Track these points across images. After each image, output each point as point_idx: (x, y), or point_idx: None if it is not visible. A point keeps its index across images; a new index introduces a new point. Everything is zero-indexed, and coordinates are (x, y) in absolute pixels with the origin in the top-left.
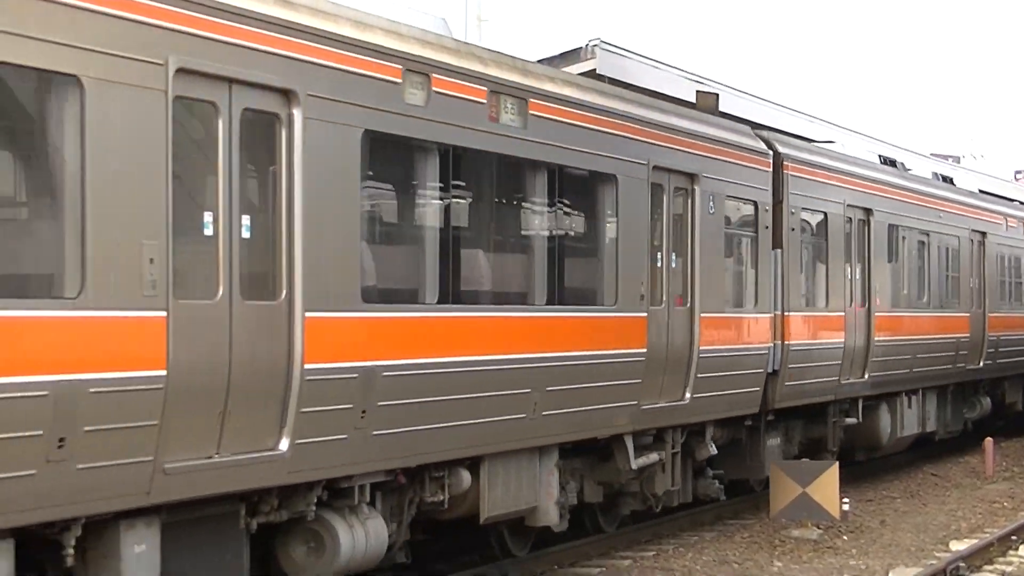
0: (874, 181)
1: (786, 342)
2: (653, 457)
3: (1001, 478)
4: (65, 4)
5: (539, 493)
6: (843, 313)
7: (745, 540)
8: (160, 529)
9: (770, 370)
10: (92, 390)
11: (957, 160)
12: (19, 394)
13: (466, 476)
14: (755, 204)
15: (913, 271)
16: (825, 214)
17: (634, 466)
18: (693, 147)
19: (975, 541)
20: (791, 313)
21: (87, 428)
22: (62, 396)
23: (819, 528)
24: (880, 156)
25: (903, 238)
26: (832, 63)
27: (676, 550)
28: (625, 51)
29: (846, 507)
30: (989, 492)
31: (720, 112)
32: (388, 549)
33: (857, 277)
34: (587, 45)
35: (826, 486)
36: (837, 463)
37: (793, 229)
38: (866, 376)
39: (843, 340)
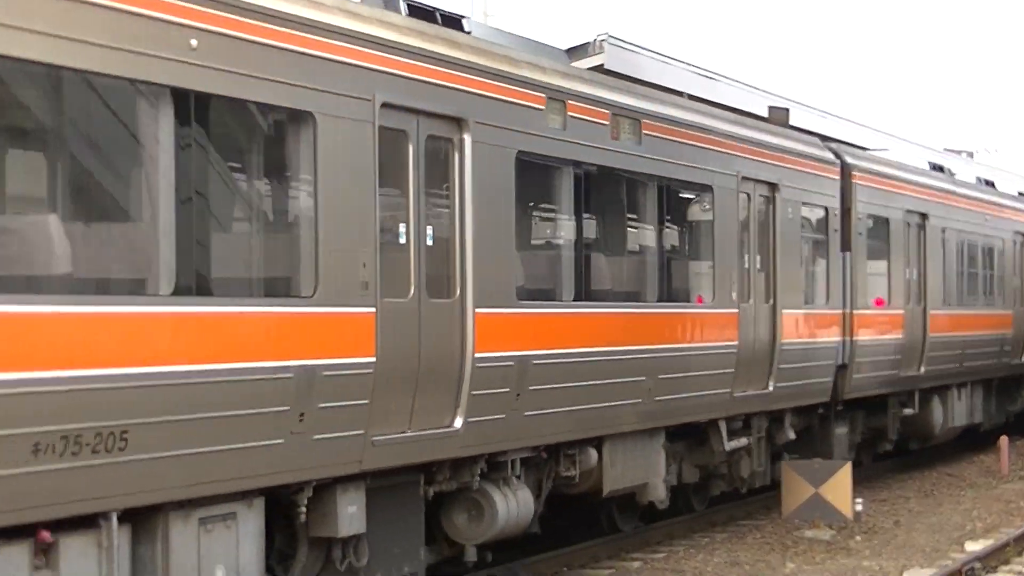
0: (928, 187)
1: (854, 337)
2: (743, 441)
3: (1017, 477)
4: (303, 54)
5: (649, 471)
6: (903, 311)
7: (757, 541)
8: (365, 493)
9: (839, 363)
10: (324, 373)
11: (971, 155)
12: (274, 376)
13: (593, 454)
14: (826, 210)
15: (963, 271)
16: (887, 219)
17: (727, 448)
18: (774, 159)
19: (991, 541)
20: (858, 311)
21: (320, 405)
22: (303, 378)
23: (832, 529)
24: (929, 163)
25: (954, 240)
26: (839, 58)
27: (687, 551)
28: (634, 46)
29: (859, 507)
30: (1005, 491)
31: (790, 125)
32: None
33: (914, 277)
34: (595, 40)
35: (839, 486)
36: (849, 463)
37: (860, 233)
38: (922, 370)
39: (902, 336)
